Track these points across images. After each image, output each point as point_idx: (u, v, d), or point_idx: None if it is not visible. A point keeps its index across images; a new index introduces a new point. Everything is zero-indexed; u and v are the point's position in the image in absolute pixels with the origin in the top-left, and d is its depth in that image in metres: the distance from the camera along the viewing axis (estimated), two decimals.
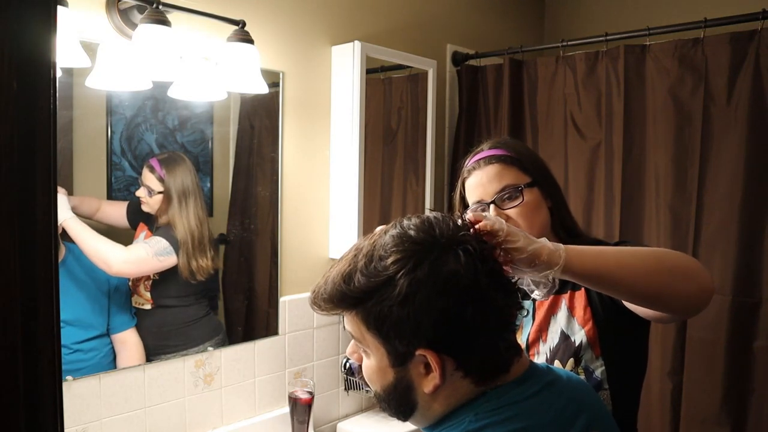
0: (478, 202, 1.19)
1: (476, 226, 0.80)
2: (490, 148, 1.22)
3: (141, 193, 1.61)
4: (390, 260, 0.73)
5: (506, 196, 1.16)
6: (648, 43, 1.96)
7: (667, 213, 1.92)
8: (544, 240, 0.84)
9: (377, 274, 0.74)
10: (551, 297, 1.16)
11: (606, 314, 1.08)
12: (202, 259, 1.69)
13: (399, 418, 0.83)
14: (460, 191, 1.24)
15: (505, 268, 0.81)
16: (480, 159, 1.20)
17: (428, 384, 0.75)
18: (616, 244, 1.12)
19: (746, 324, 1.78)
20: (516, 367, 0.80)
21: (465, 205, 1.23)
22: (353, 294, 0.75)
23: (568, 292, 1.14)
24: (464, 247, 0.74)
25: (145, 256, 1.61)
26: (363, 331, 0.77)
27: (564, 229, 1.21)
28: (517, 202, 1.16)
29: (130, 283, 1.62)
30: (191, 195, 1.67)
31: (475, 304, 0.73)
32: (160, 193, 1.63)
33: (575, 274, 0.84)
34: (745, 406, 1.78)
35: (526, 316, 1.19)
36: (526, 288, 0.91)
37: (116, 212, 1.59)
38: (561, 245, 0.84)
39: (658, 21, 1.98)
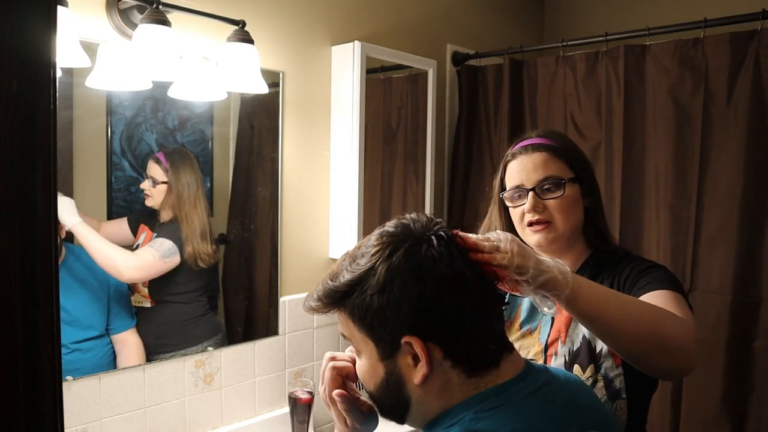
0: (518, 186, 1.18)
1: (486, 258, 0.80)
2: (539, 136, 1.21)
3: (145, 185, 1.62)
4: (370, 253, 0.78)
5: (547, 186, 1.15)
6: (648, 43, 1.96)
7: (667, 213, 1.92)
8: (554, 266, 0.84)
9: (359, 268, 0.78)
10: None
11: None
12: (204, 245, 1.71)
13: (396, 419, 0.83)
14: (501, 174, 1.23)
15: (511, 287, 0.84)
16: (528, 145, 1.20)
17: (417, 374, 0.76)
18: (647, 268, 1.12)
19: (746, 324, 1.78)
20: (509, 364, 0.80)
21: (503, 188, 1.22)
22: (338, 289, 0.78)
23: None
24: (438, 234, 0.78)
25: (152, 260, 1.62)
26: (351, 327, 0.79)
27: (595, 232, 1.20)
28: (558, 194, 1.15)
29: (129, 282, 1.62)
30: (194, 187, 1.69)
31: (453, 289, 0.76)
32: (163, 183, 1.63)
33: (575, 309, 0.87)
34: (745, 406, 1.78)
35: (550, 310, 1.18)
36: (517, 295, 0.91)
37: (118, 231, 1.58)
38: (570, 275, 0.84)
39: (658, 21, 1.98)
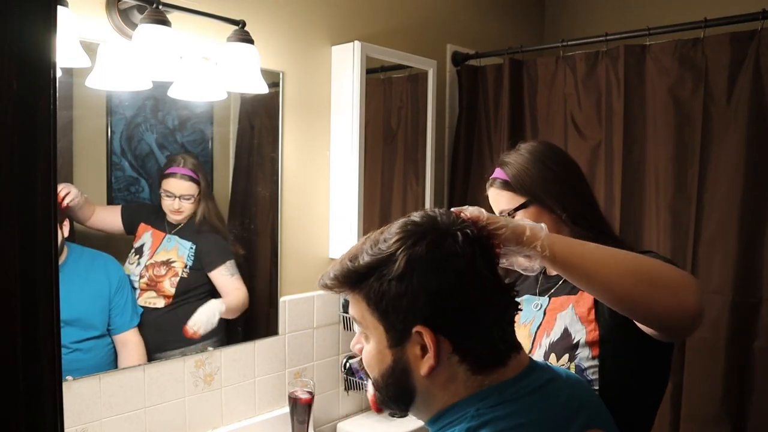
0: None
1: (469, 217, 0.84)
2: (498, 165, 1.28)
3: (175, 204, 1.65)
4: (392, 240, 0.78)
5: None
6: (648, 43, 1.96)
7: (667, 213, 1.92)
8: (523, 218, 0.91)
9: (380, 253, 0.78)
10: (563, 296, 1.17)
11: (612, 318, 1.08)
12: (239, 242, 1.80)
13: (400, 409, 0.84)
14: None
15: (495, 251, 0.85)
16: (488, 181, 1.29)
17: (424, 366, 0.77)
18: (639, 252, 1.12)
19: (746, 324, 1.77)
20: (515, 362, 0.81)
21: None
22: (357, 270, 0.78)
23: (579, 292, 1.15)
24: (464, 231, 0.79)
25: (242, 285, 1.79)
26: (363, 310, 0.80)
27: (586, 236, 1.18)
28: None
29: (146, 281, 1.62)
30: (209, 186, 1.75)
31: (471, 286, 0.77)
32: (198, 195, 1.68)
33: (555, 259, 0.87)
34: (745, 406, 1.78)
35: (539, 309, 1.21)
36: (518, 269, 0.94)
37: (110, 217, 1.58)
38: (544, 226, 0.89)
39: (658, 21, 1.98)
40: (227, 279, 1.75)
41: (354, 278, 0.79)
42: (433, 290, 0.75)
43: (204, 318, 1.69)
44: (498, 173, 1.26)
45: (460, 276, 0.76)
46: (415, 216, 0.81)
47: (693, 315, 0.90)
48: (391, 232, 0.79)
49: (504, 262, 0.90)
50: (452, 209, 0.85)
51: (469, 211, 0.84)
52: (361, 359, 0.85)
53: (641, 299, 0.88)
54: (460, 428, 0.76)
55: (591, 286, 0.91)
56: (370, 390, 0.85)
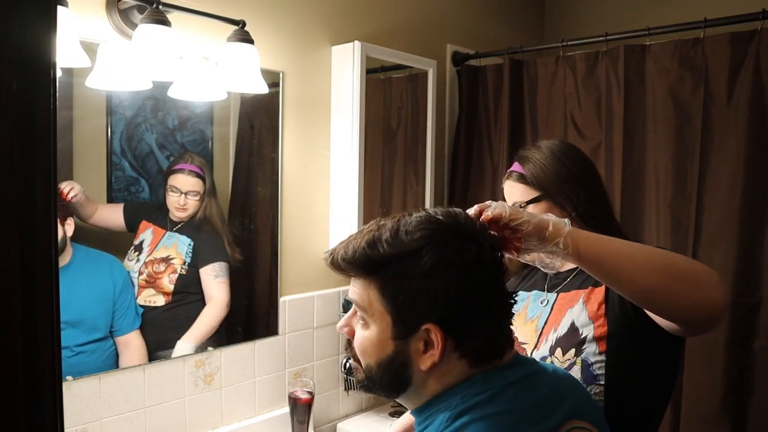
0: None
1: (481, 218, 0.84)
2: (516, 160, 1.30)
3: (182, 201, 1.65)
4: (418, 235, 0.77)
5: None
6: (648, 43, 1.96)
7: (667, 213, 1.92)
8: (547, 214, 0.90)
9: (403, 245, 0.76)
10: (573, 291, 1.18)
11: (622, 314, 1.08)
12: (235, 245, 1.78)
13: (388, 395, 0.84)
14: None
15: (516, 245, 0.86)
16: (507, 172, 1.32)
17: (426, 361, 0.77)
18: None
19: (746, 324, 1.77)
20: (508, 356, 0.83)
21: None
22: (377, 259, 0.77)
23: (589, 287, 1.16)
24: (490, 239, 0.81)
25: (227, 290, 1.75)
26: (373, 298, 0.79)
27: (595, 229, 1.18)
28: None
29: (145, 278, 1.62)
30: (213, 185, 1.74)
31: (487, 293, 0.78)
32: (203, 193, 1.69)
33: (580, 255, 0.87)
34: (745, 406, 1.78)
35: (545, 305, 1.22)
36: (539, 265, 0.94)
37: (112, 215, 1.58)
38: (567, 221, 0.89)
39: (658, 21, 1.98)
40: (211, 280, 1.72)
41: (371, 266, 0.78)
42: (453, 293, 0.75)
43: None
44: (515, 167, 1.29)
45: (479, 283, 0.77)
46: (438, 213, 0.80)
47: (718, 310, 0.91)
48: (412, 224, 0.78)
49: (526, 258, 0.90)
50: (476, 206, 0.85)
51: (492, 210, 0.84)
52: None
53: (667, 295, 0.89)
54: (443, 416, 0.77)
55: (616, 282, 0.91)
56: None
